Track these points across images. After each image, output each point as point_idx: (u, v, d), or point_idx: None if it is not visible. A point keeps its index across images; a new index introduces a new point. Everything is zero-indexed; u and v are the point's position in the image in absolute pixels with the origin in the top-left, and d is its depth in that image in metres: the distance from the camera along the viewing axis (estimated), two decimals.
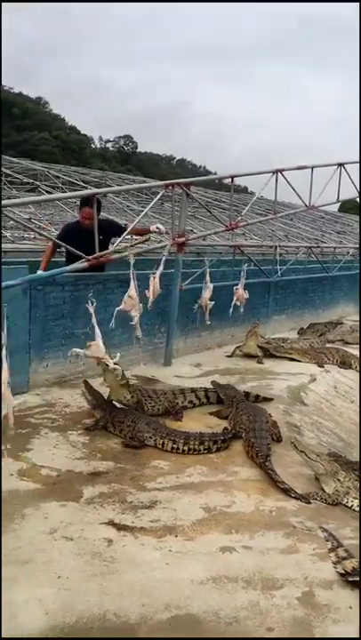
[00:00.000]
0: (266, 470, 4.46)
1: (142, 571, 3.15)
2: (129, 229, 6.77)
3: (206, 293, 7.74)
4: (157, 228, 7.01)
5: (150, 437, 4.88)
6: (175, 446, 4.81)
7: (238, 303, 8.41)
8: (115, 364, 5.17)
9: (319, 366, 8.46)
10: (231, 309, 8.33)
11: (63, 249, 6.54)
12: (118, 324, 6.03)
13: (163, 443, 4.85)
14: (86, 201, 6.68)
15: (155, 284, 6.48)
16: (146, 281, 6.43)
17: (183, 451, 4.80)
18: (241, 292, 8.37)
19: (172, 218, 7.47)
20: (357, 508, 4.12)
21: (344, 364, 8.85)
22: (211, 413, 5.85)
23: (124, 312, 5.91)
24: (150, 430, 4.92)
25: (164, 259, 6.79)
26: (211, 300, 7.78)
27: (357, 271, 14.61)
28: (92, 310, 5.07)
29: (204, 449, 4.84)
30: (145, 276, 6.46)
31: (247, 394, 6.28)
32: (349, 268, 15.03)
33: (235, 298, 8.33)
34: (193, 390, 6.20)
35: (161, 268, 6.58)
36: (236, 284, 8.43)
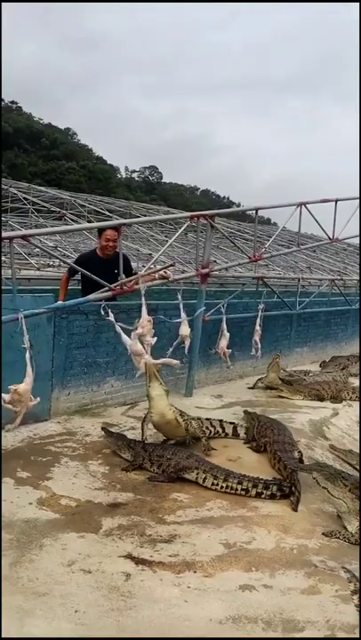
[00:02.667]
0: (292, 480, 4.51)
1: (160, 607, 3.09)
2: (141, 274, 6.38)
3: (222, 342, 7.64)
4: (164, 272, 6.73)
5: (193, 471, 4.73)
6: (234, 486, 4.59)
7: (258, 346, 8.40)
8: None
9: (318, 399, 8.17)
10: (255, 352, 8.38)
11: (78, 279, 6.57)
12: None
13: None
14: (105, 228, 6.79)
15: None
16: (173, 311, 6.48)
17: (233, 489, 4.59)
18: (258, 329, 8.35)
19: (195, 248, 7.52)
20: None
21: (336, 398, 8.32)
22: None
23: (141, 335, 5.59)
24: (194, 463, 4.76)
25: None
26: (228, 347, 7.68)
27: None
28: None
29: (268, 495, 4.57)
30: (173, 306, 6.50)
31: None
32: None
33: (254, 336, 8.32)
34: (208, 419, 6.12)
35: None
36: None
